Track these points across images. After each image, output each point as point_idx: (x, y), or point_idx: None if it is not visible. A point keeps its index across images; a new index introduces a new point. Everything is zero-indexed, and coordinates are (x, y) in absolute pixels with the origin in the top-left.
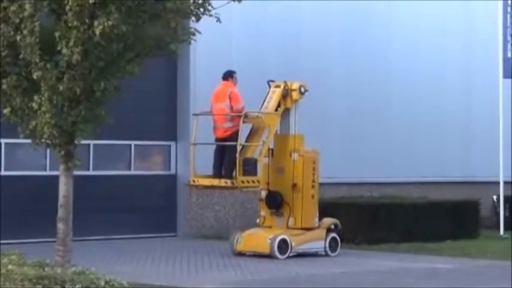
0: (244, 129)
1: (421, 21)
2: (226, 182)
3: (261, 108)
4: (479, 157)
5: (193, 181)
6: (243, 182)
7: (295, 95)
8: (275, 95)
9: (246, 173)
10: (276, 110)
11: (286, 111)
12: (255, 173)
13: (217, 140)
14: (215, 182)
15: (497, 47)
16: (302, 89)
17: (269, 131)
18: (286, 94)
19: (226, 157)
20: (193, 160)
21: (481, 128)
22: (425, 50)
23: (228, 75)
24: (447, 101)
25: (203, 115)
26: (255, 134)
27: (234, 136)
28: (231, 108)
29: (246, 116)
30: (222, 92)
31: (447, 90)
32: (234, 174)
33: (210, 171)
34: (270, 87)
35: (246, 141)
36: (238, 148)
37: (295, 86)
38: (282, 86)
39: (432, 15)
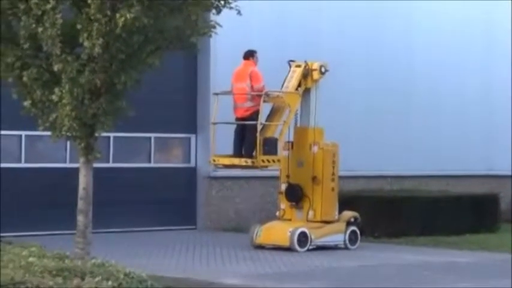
0: (264, 109)
1: (443, 14)
2: (246, 161)
3: (281, 88)
4: (500, 150)
5: (214, 160)
6: (263, 161)
7: (315, 74)
8: (296, 74)
9: (266, 152)
10: (297, 89)
11: (307, 91)
12: (275, 152)
13: (237, 119)
14: (235, 161)
15: None
16: (323, 69)
17: (290, 111)
18: (306, 74)
19: (246, 136)
20: (214, 139)
21: (502, 121)
22: (446, 43)
23: (249, 55)
24: (468, 94)
25: (223, 94)
26: (275, 114)
27: (255, 115)
28: (252, 87)
29: (266, 95)
30: (242, 72)
31: (468, 83)
32: (254, 153)
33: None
34: (290, 67)
35: (266, 121)
36: (259, 127)
37: (315, 65)
38: (303, 66)
39: (454, 9)
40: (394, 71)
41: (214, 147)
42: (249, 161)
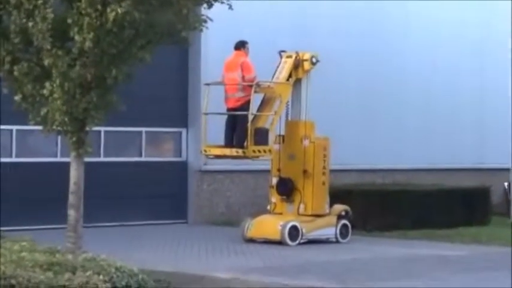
0: (256, 99)
1: (438, 11)
2: (237, 152)
3: (272, 79)
4: (491, 144)
5: (205, 151)
6: (254, 151)
7: (306, 65)
8: (287, 65)
9: (257, 142)
10: (288, 80)
11: (298, 81)
12: (266, 143)
13: (228, 110)
14: (226, 151)
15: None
16: (314, 59)
17: (281, 101)
18: (297, 64)
19: (237, 127)
20: (205, 130)
21: (493, 115)
22: (440, 38)
23: (240, 45)
24: (460, 88)
25: (215, 85)
26: (266, 104)
27: (246, 106)
28: (243, 78)
29: (257, 85)
30: (233, 62)
31: (460, 77)
32: (245, 143)
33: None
34: (281, 57)
35: (257, 111)
36: (250, 118)
37: (306, 56)
38: (294, 56)
39: (449, 5)
40: (386, 64)
41: (205, 138)
42: (240, 151)
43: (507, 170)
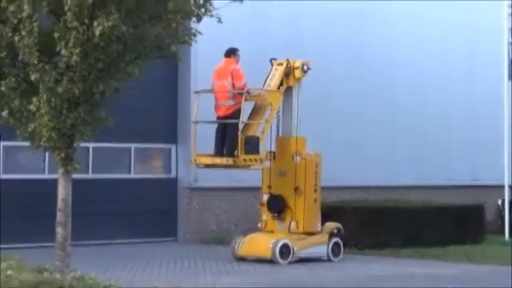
0: (246, 108)
1: (426, 21)
2: (228, 160)
3: (263, 86)
4: (484, 161)
5: (195, 160)
6: (245, 160)
7: (297, 73)
8: (278, 72)
9: (248, 151)
10: (279, 88)
11: (289, 89)
12: (257, 151)
13: (218, 118)
14: (217, 160)
15: (502, 49)
16: (305, 67)
17: (271, 109)
18: (288, 72)
19: (228, 135)
20: (195, 139)
21: (486, 131)
22: (430, 52)
23: (231, 53)
24: (452, 104)
25: (204, 92)
26: (257, 112)
27: (236, 114)
28: (233, 85)
29: (248, 93)
30: (224, 69)
31: (452, 93)
32: (236, 152)
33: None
34: (272, 65)
35: (248, 120)
36: (240, 126)
37: (297, 63)
38: (285, 64)
39: (437, 15)
40: (377, 80)
41: (195, 147)
42: (231, 160)
43: (501, 186)
